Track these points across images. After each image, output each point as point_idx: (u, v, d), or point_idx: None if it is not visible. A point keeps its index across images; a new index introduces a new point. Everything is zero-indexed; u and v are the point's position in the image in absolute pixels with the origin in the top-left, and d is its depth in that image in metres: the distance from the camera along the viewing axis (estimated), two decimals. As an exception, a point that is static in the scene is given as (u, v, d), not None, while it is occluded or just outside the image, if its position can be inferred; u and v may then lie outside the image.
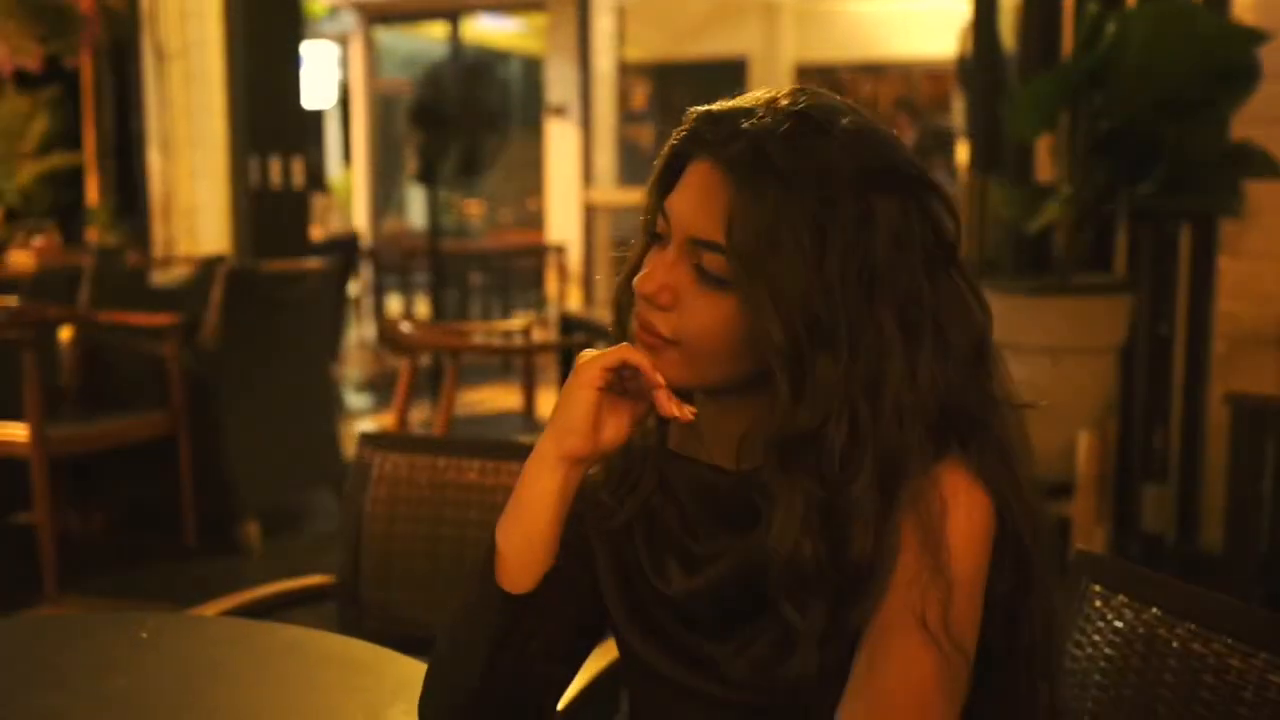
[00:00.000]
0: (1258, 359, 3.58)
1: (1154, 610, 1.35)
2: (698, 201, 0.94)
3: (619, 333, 1.06)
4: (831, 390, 0.91)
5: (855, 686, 0.93)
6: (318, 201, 7.38)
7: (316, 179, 6.12)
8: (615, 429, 0.99)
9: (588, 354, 0.98)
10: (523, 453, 2.20)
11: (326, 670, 1.31)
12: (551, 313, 8.77)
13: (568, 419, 0.98)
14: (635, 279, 0.97)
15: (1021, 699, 1.03)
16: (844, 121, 0.93)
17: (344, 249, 7.38)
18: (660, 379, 0.94)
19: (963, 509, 0.93)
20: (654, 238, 1.00)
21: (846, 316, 0.90)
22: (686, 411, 0.95)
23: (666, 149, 1.00)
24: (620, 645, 1.10)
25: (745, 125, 0.93)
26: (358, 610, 2.15)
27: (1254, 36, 3.02)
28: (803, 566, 0.93)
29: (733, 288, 0.91)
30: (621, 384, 0.98)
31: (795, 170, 0.90)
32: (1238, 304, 3.68)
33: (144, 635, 1.38)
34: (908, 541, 0.92)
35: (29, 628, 1.51)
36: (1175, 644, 1.32)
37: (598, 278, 8.90)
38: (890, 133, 0.96)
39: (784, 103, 0.94)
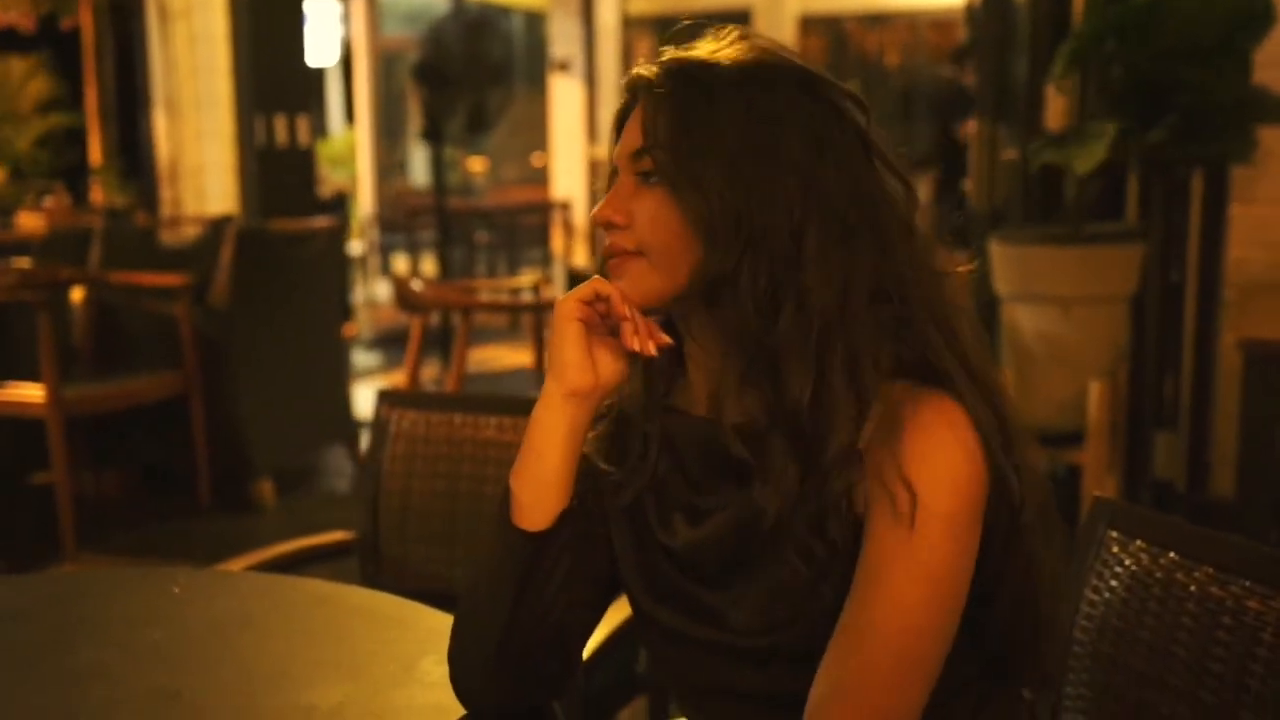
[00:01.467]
0: (1269, 306, 3.58)
1: (1171, 554, 1.36)
2: (632, 125, 1.02)
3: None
4: (772, 268, 0.96)
5: (845, 622, 0.97)
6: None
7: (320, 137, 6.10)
8: (610, 363, 1.03)
9: (565, 293, 1.03)
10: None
11: (356, 623, 1.33)
12: (557, 269, 8.76)
13: (559, 356, 1.03)
14: (592, 214, 1.04)
15: (1008, 653, 1.07)
16: (752, 50, 1.00)
17: (333, 211, 7.36)
18: (625, 310, 0.99)
19: (955, 445, 0.95)
20: (611, 181, 1.06)
21: (770, 198, 0.95)
22: (650, 346, 0.99)
23: (618, 108, 1.07)
24: (631, 601, 1.13)
25: (666, 58, 1.04)
26: (377, 565, 2.17)
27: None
28: (790, 503, 0.97)
29: (663, 177, 0.97)
30: (604, 322, 1.02)
31: (706, 77, 1.00)
32: (1249, 251, 3.67)
33: (176, 590, 1.40)
34: (894, 472, 0.95)
35: (63, 582, 1.53)
36: (1193, 588, 1.33)
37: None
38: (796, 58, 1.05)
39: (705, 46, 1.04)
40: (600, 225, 1.03)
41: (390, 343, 7.17)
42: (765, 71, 1.01)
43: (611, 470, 1.11)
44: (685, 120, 0.99)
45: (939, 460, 0.95)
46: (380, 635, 1.29)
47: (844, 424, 0.96)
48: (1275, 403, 2.87)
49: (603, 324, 1.02)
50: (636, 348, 0.99)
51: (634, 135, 1.02)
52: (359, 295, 8.07)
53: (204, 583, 1.46)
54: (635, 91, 1.04)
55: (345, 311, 6.20)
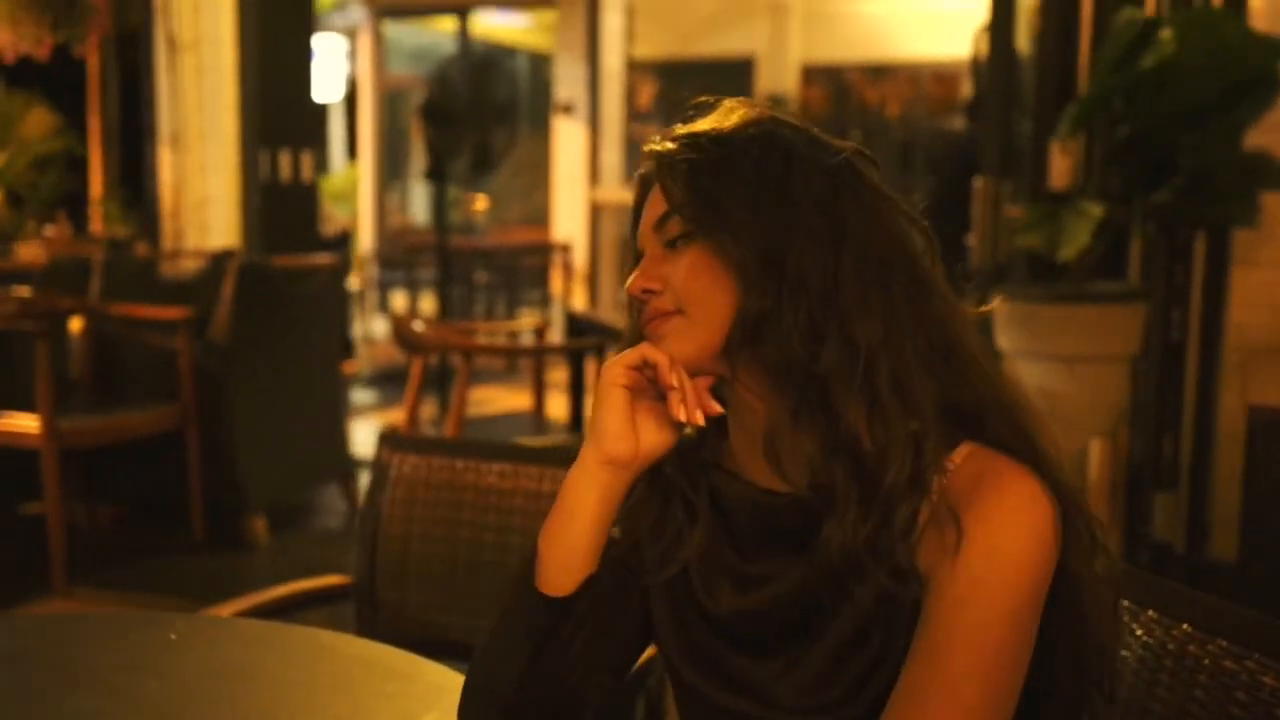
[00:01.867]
0: (1270, 369, 3.58)
1: (1184, 626, 1.34)
2: (653, 202, 1.03)
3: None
4: (810, 300, 0.95)
5: (898, 700, 0.94)
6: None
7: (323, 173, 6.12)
8: (654, 432, 1.02)
9: (612, 357, 1.02)
10: (542, 456, 2.21)
11: (357, 675, 1.31)
12: (556, 311, 8.76)
13: (600, 422, 1.01)
14: (625, 287, 1.04)
15: None
16: (756, 115, 1.01)
17: (337, 248, 7.38)
18: (674, 379, 0.98)
19: (1028, 527, 0.94)
20: (636, 266, 1.06)
21: (798, 232, 0.95)
22: (699, 415, 0.98)
23: (635, 191, 1.08)
24: (666, 663, 1.11)
25: (675, 134, 1.05)
26: (374, 611, 2.15)
27: (1277, 47, 3.02)
28: (855, 537, 0.95)
29: (694, 234, 0.97)
30: (653, 387, 1.01)
31: (716, 138, 1.02)
32: (1251, 314, 3.68)
33: (173, 636, 1.38)
34: (958, 548, 0.93)
35: (59, 625, 1.51)
36: (1206, 660, 1.31)
37: (603, 276, 8.90)
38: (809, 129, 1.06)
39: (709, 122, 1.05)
40: (635, 296, 1.03)
41: (385, 380, 7.15)
42: (771, 126, 1.03)
43: (653, 544, 1.09)
44: (702, 174, 1.00)
45: (1009, 541, 0.93)
46: (382, 689, 1.27)
47: (902, 450, 0.95)
48: (1276, 467, 2.87)
49: (650, 388, 1.01)
50: (684, 417, 0.98)
51: (654, 209, 1.03)
52: (355, 332, 8.06)
53: (202, 629, 1.44)
54: (648, 175, 1.06)
55: (346, 349, 6.19)
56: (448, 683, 1.26)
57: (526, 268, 9.47)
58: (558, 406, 4.84)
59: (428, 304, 8.90)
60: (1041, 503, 0.94)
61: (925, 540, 0.95)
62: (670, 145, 1.03)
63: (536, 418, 4.40)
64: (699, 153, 1.01)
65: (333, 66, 11.43)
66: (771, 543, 1.04)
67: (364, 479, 4.49)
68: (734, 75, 9.84)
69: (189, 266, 5.23)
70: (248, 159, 5.66)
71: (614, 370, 1.01)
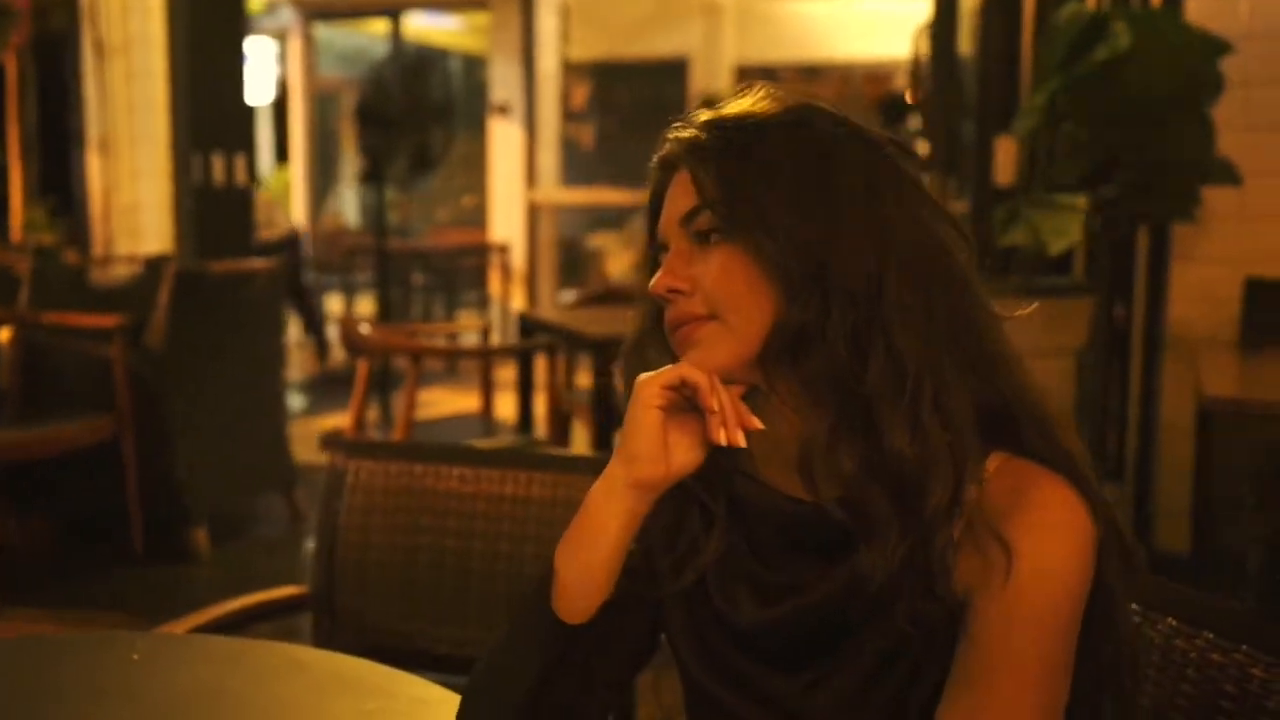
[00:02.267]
0: (1211, 363, 3.64)
1: (1170, 620, 1.34)
2: (677, 192, 0.97)
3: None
4: (855, 312, 0.91)
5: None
6: (261, 199, 7.25)
7: (254, 177, 6.00)
8: (686, 452, 0.96)
9: (647, 374, 0.96)
10: (503, 459, 2.17)
11: (335, 691, 1.26)
12: (495, 312, 8.70)
13: (633, 444, 0.95)
14: (650, 286, 0.98)
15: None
16: (787, 100, 0.97)
17: (288, 248, 7.25)
18: (714, 403, 0.92)
19: (1070, 538, 0.91)
20: (656, 260, 1.00)
21: (841, 236, 0.91)
22: (739, 436, 0.93)
23: (651, 185, 1.03)
24: (683, 674, 1.07)
25: (701, 120, 0.99)
26: (332, 621, 2.10)
27: (1219, 47, 3.06)
28: (895, 562, 0.92)
29: (728, 232, 0.93)
30: (687, 401, 0.95)
31: (748, 126, 0.95)
32: (1191, 308, 3.74)
33: (135, 657, 1.32)
34: (1004, 568, 0.90)
35: (15, 649, 1.44)
36: (1193, 654, 1.31)
37: (541, 277, 8.84)
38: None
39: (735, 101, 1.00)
40: (661, 296, 0.97)
41: (323, 386, 7.05)
42: (805, 115, 0.97)
43: (666, 551, 1.04)
44: (736, 166, 0.94)
45: (1056, 559, 0.90)
46: (360, 706, 1.23)
47: (943, 475, 0.91)
48: (1226, 459, 2.91)
49: (683, 404, 0.95)
50: (724, 441, 0.92)
51: (682, 200, 0.97)
52: (290, 336, 7.94)
53: (165, 649, 1.38)
54: (671, 162, 1.00)
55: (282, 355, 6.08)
56: (429, 696, 1.22)
57: (464, 269, 9.40)
58: (507, 407, 4.78)
59: (365, 307, 8.78)
60: (1081, 515, 0.92)
61: (962, 558, 0.92)
62: (699, 131, 0.97)
63: (485, 419, 4.35)
64: (731, 141, 0.95)
65: (263, 70, 11.25)
66: (794, 550, 1.00)
67: (305, 486, 4.40)
68: (668, 76, 9.83)
69: (121, 273, 5.10)
70: (180, 163, 5.53)
71: (649, 390, 0.94)
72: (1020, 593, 0.90)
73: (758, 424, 0.94)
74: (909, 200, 0.96)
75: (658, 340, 1.01)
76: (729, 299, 0.94)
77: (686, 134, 0.98)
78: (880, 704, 0.95)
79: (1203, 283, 3.73)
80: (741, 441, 0.93)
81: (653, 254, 1.01)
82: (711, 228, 0.95)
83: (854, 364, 0.91)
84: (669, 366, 0.95)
